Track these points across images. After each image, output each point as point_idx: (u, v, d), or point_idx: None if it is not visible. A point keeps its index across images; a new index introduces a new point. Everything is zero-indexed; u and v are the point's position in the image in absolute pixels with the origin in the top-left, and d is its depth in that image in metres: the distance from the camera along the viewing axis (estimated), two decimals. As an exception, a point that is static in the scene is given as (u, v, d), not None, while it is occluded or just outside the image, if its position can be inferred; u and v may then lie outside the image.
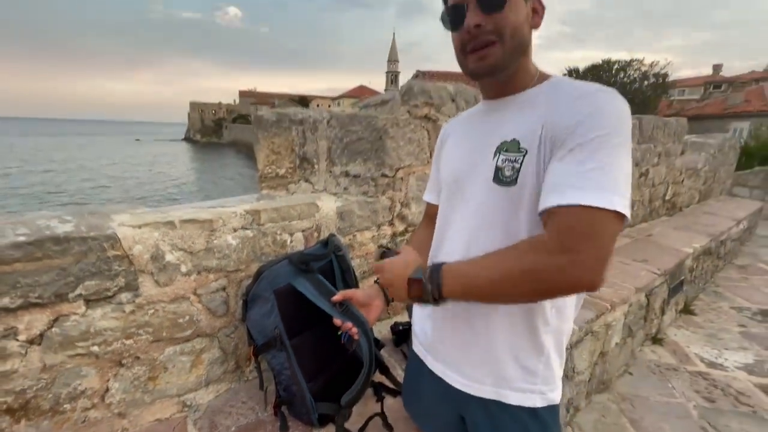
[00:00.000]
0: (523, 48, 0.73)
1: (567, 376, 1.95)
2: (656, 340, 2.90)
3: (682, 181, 4.62)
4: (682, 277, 3.15)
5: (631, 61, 24.00)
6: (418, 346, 0.93)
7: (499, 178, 0.71)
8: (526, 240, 0.64)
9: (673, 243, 3.40)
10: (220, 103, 76.04)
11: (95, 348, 1.08)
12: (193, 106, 73.95)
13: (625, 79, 23.96)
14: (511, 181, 0.70)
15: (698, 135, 5.55)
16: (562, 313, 0.76)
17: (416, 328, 0.95)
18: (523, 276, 0.60)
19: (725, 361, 2.68)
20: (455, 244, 0.80)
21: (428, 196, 1.02)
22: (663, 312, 2.95)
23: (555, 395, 0.78)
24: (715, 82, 33.21)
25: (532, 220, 0.68)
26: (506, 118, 0.75)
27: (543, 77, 0.76)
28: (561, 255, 0.57)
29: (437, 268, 0.69)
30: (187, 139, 73.97)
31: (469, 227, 0.77)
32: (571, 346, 1.91)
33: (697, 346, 2.87)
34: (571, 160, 0.61)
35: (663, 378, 2.48)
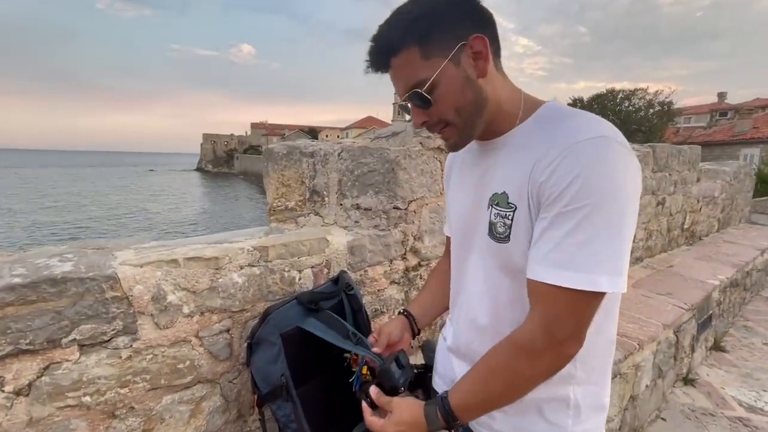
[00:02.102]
0: (479, 108, 0.68)
1: (596, 424, 1.79)
2: (688, 380, 2.70)
3: (700, 209, 4.49)
4: (711, 312, 2.98)
5: (636, 90, 24.33)
6: (440, 383, 0.93)
7: (492, 233, 0.70)
8: (522, 341, 0.64)
9: (697, 274, 3.25)
10: (232, 135, 78.32)
11: (87, 398, 0.99)
12: (206, 137, 76.25)
13: (630, 107, 24.21)
14: (504, 238, 0.68)
15: (712, 162, 5.47)
16: (587, 364, 0.70)
17: (438, 366, 0.94)
18: (525, 384, 0.65)
19: (766, 405, 2.47)
20: (471, 296, 0.80)
21: (447, 229, 0.99)
22: (693, 350, 2.77)
23: None
24: (721, 110, 33.37)
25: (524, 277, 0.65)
26: (495, 166, 0.73)
27: (531, 107, 0.70)
28: (550, 352, 0.61)
29: (448, 410, 0.68)
30: (199, 169, 75.79)
31: (474, 277, 0.78)
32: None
33: (733, 388, 2.66)
34: (559, 227, 0.58)
35: (700, 424, 2.28)
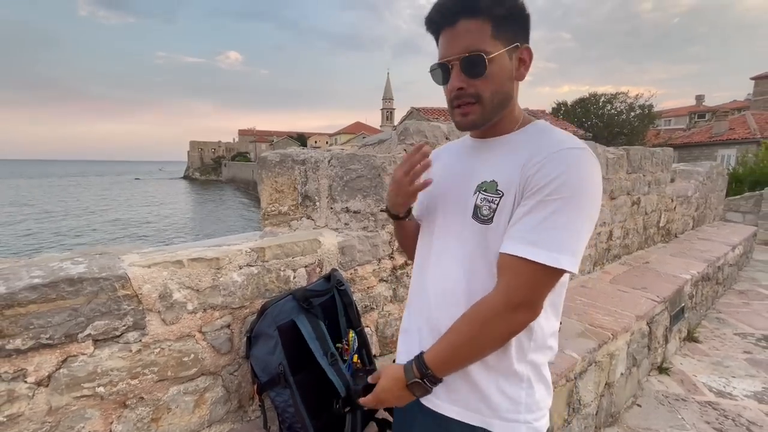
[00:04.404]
0: (505, 103, 0.79)
1: (573, 409, 1.92)
2: (662, 369, 2.86)
3: (675, 208, 4.71)
4: (683, 304, 3.15)
5: (617, 93, 24.94)
6: None
7: (477, 215, 0.79)
8: (484, 305, 0.74)
9: (671, 270, 3.43)
10: (219, 142, 77.63)
11: (101, 389, 1.08)
12: (193, 145, 75.42)
13: (612, 110, 24.81)
14: (488, 220, 0.77)
15: (686, 163, 5.72)
16: (538, 342, 0.81)
17: (402, 358, 0.93)
18: (492, 342, 0.75)
19: (734, 389, 2.64)
20: (437, 269, 0.86)
21: (416, 211, 1.04)
22: (667, 340, 2.93)
23: (541, 424, 0.81)
24: (699, 112, 34.43)
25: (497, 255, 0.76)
26: (488, 159, 0.82)
27: (527, 121, 0.83)
28: (514, 313, 0.71)
29: (421, 363, 0.79)
30: (186, 177, 74.87)
31: (449, 255, 0.84)
32: (576, 377, 1.89)
33: (705, 375, 2.83)
34: (535, 214, 0.70)
35: (672, 409, 2.43)
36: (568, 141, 0.74)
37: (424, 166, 0.81)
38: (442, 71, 0.79)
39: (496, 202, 0.76)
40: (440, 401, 0.82)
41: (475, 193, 0.80)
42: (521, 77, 0.80)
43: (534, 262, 0.68)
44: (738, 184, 9.84)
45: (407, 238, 1.02)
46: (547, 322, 0.81)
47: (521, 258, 0.69)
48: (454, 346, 0.76)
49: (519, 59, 0.78)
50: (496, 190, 0.77)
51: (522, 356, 0.79)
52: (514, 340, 0.77)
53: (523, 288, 0.71)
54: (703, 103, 38.08)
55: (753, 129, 18.08)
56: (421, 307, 0.89)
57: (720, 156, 17.71)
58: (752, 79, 25.11)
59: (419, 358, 0.80)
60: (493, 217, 0.76)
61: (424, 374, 0.78)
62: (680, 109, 38.85)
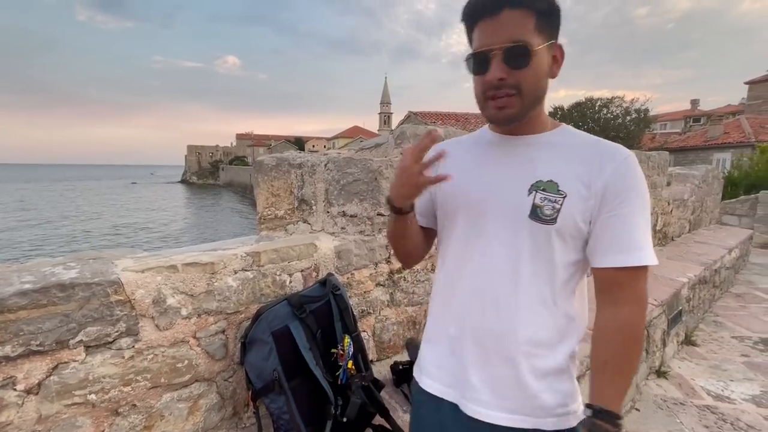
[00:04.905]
0: (540, 99, 0.79)
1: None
2: (661, 373, 2.85)
3: (671, 211, 4.73)
4: (680, 307, 3.15)
5: (613, 98, 25.12)
6: (436, 386, 0.87)
7: (537, 215, 0.76)
8: (628, 322, 0.75)
9: (668, 273, 3.43)
10: (217, 146, 77.57)
11: (92, 396, 1.06)
12: (190, 149, 75.33)
13: (609, 114, 24.97)
14: (551, 220, 0.75)
15: (682, 167, 5.75)
16: (579, 333, 0.83)
17: (431, 368, 0.89)
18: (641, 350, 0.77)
19: (732, 393, 2.63)
20: (480, 272, 0.81)
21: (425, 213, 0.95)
22: (665, 344, 2.93)
23: (580, 408, 0.81)
24: (694, 116, 34.70)
25: (564, 255, 0.77)
26: (535, 159, 0.80)
27: (555, 123, 0.84)
28: (643, 316, 0.77)
29: (612, 416, 0.71)
30: (183, 181, 74.72)
31: (495, 257, 0.80)
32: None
33: (702, 379, 2.82)
34: (630, 219, 0.74)
35: (671, 413, 2.42)
36: (621, 147, 0.79)
37: (438, 155, 0.76)
38: (479, 61, 0.75)
39: (560, 202, 0.75)
40: (488, 410, 0.79)
41: (531, 192, 0.77)
42: (554, 75, 0.79)
43: (647, 266, 0.74)
44: (733, 187, 9.90)
45: (406, 238, 0.91)
46: (584, 312, 0.85)
47: (640, 266, 0.73)
48: (627, 376, 0.76)
49: (553, 56, 0.77)
50: (558, 190, 0.76)
51: (569, 352, 0.80)
52: (564, 339, 0.79)
53: (644, 290, 0.76)
54: (698, 108, 38.42)
55: (747, 133, 18.24)
56: (458, 315, 0.84)
57: (715, 160, 17.85)
58: (746, 83, 25.37)
59: (606, 412, 0.72)
60: (557, 217, 0.75)
61: (616, 424, 0.72)
62: (675, 113, 39.17)
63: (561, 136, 0.82)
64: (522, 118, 0.77)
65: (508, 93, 0.74)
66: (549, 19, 0.74)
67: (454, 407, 0.83)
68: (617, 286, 0.76)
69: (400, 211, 0.84)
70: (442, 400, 0.85)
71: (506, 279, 0.78)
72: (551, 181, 0.76)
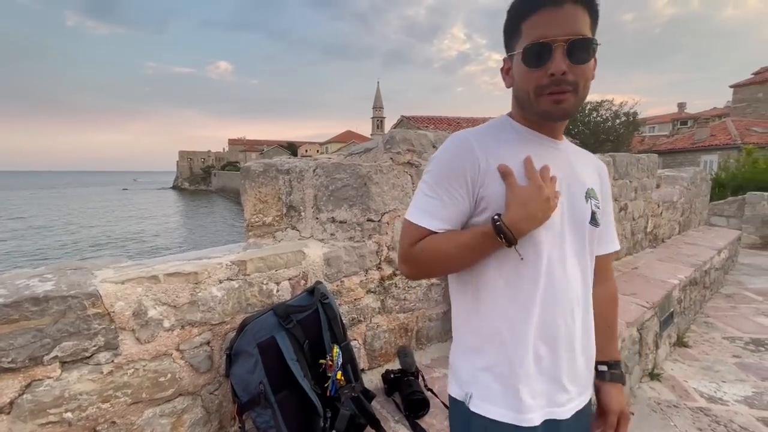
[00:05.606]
0: (585, 99, 0.76)
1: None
2: (654, 375, 2.85)
3: (661, 213, 4.77)
4: (672, 309, 3.16)
5: (603, 101, 25.48)
6: (537, 417, 0.75)
7: (594, 221, 0.83)
8: (615, 294, 0.97)
9: (659, 275, 3.45)
10: (209, 151, 77.05)
11: (69, 414, 1.02)
12: (182, 154, 74.73)
13: (598, 118, 25.31)
14: (599, 224, 0.84)
15: (671, 169, 5.82)
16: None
17: (528, 400, 0.75)
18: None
19: (724, 394, 2.63)
20: (566, 276, 0.78)
21: (432, 223, 0.76)
22: (657, 346, 2.93)
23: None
24: (681, 119, 35.28)
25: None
26: (577, 165, 0.84)
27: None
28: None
29: (617, 364, 0.93)
30: (175, 187, 74.02)
31: (569, 264, 0.78)
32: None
33: (695, 380, 2.82)
34: (610, 217, 0.92)
35: (665, 416, 2.42)
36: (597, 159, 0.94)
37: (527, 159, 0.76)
38: (537, 52, 0.69)
39: (601, 208, 0.86)
40: (575, 402, 0.80)
41: (588, 199, 0.82)
42: (593, 76, 0.76)
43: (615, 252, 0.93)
44: (721, 188, 10.04)
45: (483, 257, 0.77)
46: None
47: (617, 251, 0.93)
48: (617, 333, 0.95)
49: (594, 59, 0.74)
50: (597, 197, 0.85)
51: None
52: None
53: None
54: (685, 111, 39.10)
55: (734, 135, 18.57)
56: (548, 333, 0.76)
57: (703, 161, 18.12)
58: (731, 87, 25.87)
59: (616, 363, 0.91)
60: (600, 221, 0.84)
61: (622, 370, 0.92)
62: (663, 117, 39.80)
63: (571, 145, 0.87)
64: (573, 115, 0.78)
65: (566, 89, 0.70)
66: (596, 22, 0.73)
67: (550, 422, 0.76)
68: (605, 267, 0.92)
69: (515, 239, 0.72)
70: (540, 423, 0.76)
71: (580, 282, 0.81)
72: (592, 188, 0.84)
